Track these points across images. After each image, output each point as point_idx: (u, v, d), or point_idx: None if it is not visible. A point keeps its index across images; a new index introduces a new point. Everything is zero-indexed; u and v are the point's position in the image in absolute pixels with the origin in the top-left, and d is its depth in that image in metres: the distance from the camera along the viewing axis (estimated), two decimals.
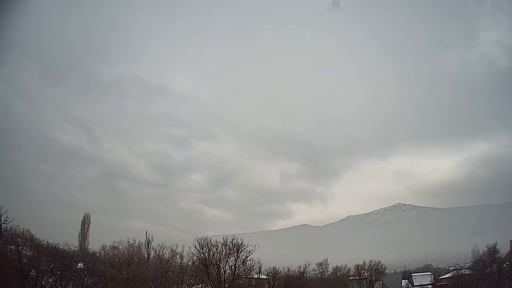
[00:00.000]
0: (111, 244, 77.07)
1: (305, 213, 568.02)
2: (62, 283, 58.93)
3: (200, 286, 57.13)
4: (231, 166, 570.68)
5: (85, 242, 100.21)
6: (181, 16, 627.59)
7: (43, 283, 55.59)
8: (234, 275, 54.41)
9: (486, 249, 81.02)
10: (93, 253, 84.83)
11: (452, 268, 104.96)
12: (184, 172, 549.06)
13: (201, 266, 54.31)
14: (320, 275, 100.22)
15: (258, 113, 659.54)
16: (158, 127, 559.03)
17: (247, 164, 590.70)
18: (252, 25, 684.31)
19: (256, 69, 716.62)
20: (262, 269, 64.23)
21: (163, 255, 64.93)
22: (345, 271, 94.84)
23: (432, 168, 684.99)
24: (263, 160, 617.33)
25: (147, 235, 78.34)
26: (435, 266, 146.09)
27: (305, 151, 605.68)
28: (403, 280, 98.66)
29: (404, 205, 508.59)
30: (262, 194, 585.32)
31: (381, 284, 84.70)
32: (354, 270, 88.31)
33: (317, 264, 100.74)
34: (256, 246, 55.04)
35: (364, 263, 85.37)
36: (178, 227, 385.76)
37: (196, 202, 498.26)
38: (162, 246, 68.26)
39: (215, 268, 53.51)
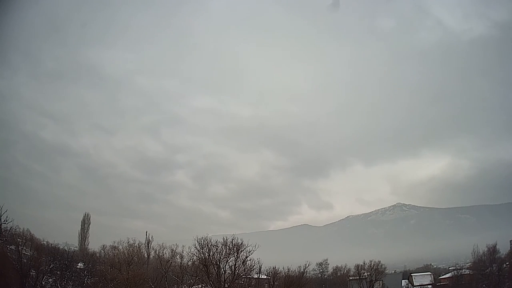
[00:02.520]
0: (111, 244, 77.25)
1: (305, 213, 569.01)
2: (62, 283, 58.91)
3: (200, 286, 57.09)
4: (215, 159, 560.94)
5: (85, 242, 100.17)
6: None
7: (43, 283, 55.58)
8: (234, 275, 54.38)
9: (486, 249, 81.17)
10: (93, 253, 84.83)
11: (452, 268, 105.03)
12: (169, 168, 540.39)
13: (201, 266, 54.28)
14: (320, 275, 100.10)
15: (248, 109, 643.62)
16: (123, 118, 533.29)
17: (233, 158, 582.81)
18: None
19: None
20: (262, 269, 64.28)
21: (163, 255, 65.13)
22: (345, 271, 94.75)
23: (431, 168, 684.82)
24: (251, 155, 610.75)
25: (147, 235, 78.37)
26: (435, 266, 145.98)
27: (302, 151, 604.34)
28: (403, 280, 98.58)
29: (404, 205, 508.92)
30: (257, 192, 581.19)
31: (381, 284, 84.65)
32: (354, 270, 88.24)
33: (317, 264, 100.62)
34: (256, 246, 55.06)
35: (364, 263, 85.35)
36: (173, 226, 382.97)
37: (188, 199, 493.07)
38: (162, 246, 68.49)
39: (215, 268, 53.48)
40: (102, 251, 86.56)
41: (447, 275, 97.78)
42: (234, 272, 54.31)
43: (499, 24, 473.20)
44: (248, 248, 54.40)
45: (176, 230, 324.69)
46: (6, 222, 57.74)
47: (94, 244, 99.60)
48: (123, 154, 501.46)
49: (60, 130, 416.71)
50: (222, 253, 53.57)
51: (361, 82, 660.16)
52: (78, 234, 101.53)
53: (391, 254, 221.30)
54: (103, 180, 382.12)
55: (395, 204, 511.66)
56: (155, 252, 73.05)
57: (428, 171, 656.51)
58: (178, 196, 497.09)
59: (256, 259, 58.09)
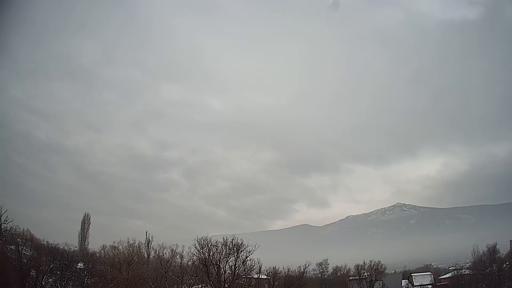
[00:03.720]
0: (111, 244, 77.17)
1: (305, 213, 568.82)
2: (62, 283, 58.89)
3: (200, 286, 57.10)
4: (204, 156, 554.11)
5: (85, 242, 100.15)
6: None
7: (43, 283, 55.58)
8: (234, 275, 54.37)
9: (486, 249, 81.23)
10: (93, 253, 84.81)
11: (452, 268, 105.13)
12: (162, 165, 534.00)
13: (201, 266, 54.29)
14: (320, 275, 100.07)
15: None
16: (105, 113, 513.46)
17: (221, 154, 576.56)
18: None
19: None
20: (262, 269, 64.18)
21: (163, 255, 65.04)
22: (345, 271, 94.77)
23: (431, 167, 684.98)
24: (241, 152, 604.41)
25: (147, 235, 78.27)
26: (435, 266, 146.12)
27: (300, 149, 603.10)
28: (403, 280, 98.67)
29: (404, 205, 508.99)
30: (254, 190, 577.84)
31: (381, 284, 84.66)
32: (354, 270, 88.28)
33: (317, 264, 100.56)
34: (256, 246, 54.99)
35: (364, 263, 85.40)
36: (171, 226, 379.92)
37: (183, 197, 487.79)
38: (162, 246, 68.36)
39: (215, 268, 53.47)
40: (102, 251, 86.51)
41: (447, 275, 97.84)
42: (234, 272, 54.28)
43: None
44: (248, 248, 54.39)
45: (174, 229, 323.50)
46: (6, 222, 57.89)
47: (94, 244, 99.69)
48: (114, 152, 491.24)
49: (51, 128, 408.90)
50: (222, 253, 53.53)
51: (357, 78, 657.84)
52: (78, 234, 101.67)
53: (391, 254, 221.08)
54: (97, 179, 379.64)
55: (395, 204, 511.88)
56: (155, 252, 73.04)
57: (427, 170, 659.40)
58: (174, 194, 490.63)
59: (256, 259, 58.10)
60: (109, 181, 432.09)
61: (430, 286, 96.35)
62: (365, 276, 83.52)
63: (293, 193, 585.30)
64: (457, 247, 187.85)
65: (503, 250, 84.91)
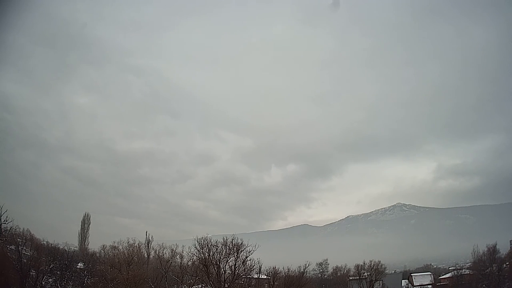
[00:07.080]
0: (111, 244, 77.14)
1: (305, 213, 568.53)
2: (62, 283, 58.96)
3: (200, 286, 57.10)
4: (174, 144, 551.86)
5: (85, 242, 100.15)
6: None
7: (43, 283, 55.64)
8: (234, 275, 54.37)
9: (486, 249, 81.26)
10: (93, 253, 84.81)
11: (452, 268, 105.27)
12: (136, 159, 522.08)
13: (201, 266, 54.28)
14: (320, 275, 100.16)
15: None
16: (63, 105, 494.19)
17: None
18: None
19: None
20: (262, 269, 64.23)
21: (163, 255, 64.97)
22: (345, 271, 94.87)
23: (430, 168, 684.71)
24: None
25: (147, 235, 78.40)
26: (435, 266, 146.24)
27: (300, 149, 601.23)
28: (403, 280, 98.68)
29: (404, 205, 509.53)
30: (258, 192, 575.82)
31: (381, 284, 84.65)
32: (354, 270, 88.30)
33: (317, 264, 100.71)
34: (256, 246, 55.03)
35: (364, 263, 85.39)
36: (163, 224, 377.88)
37: (168, 193, 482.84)
38: (162, 246, 68.30)
39: (215, 268, 53.47)
40: (102, 251, 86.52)
41: (447, 275, 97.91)
42: (234, 272, 54.28)
43: None
44: (248, 248, 54.43)
45: (167, 228, 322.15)
46: (6, 222, 57.89)
47: (94, 244, 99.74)
48: (91, 148, 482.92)
49: (31, 125, 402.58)
50: (222, 253, 53.55)
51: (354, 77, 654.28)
52: (78, 234, 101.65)
53: (391, 254, 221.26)
54: (86, 177, 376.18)
55: (395, 204, 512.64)
56: (155, 252, 73.03)
57: (427, 171, 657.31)
58: (159, 190, 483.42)
59: (256, 259, 58.14)
60: (97, 178, 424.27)
61: (430, 286, 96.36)
62: (365, 276, 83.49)
63: (296, 194, 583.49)
64: (457, 247, 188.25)
65: (503, 250, 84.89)
